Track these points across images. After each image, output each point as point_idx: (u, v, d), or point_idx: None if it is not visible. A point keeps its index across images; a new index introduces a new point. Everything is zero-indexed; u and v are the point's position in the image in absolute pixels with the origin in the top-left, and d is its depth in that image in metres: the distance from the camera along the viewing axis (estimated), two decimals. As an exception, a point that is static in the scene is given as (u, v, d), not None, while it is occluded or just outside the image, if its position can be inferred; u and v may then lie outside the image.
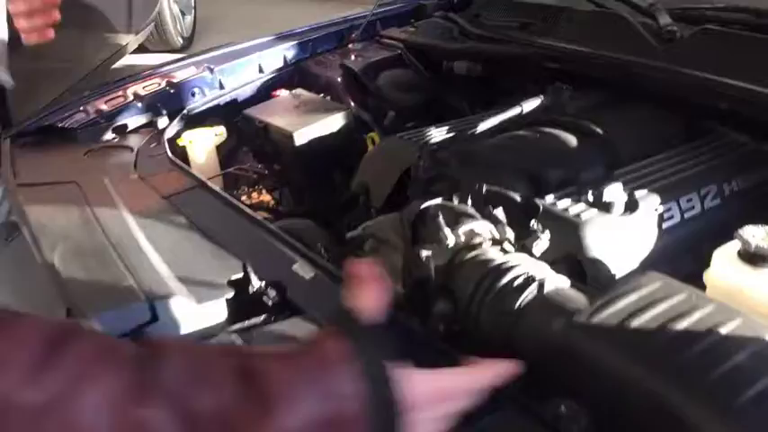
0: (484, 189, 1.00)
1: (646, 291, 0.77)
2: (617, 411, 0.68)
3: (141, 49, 4.62)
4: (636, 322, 0.72)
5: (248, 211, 1.08)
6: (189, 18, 5.34)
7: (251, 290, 0.91)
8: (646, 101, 1.24)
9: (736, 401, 0.63)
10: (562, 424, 0.68)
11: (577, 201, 0.98)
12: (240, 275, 0.92)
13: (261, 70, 1.63)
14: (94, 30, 3.72)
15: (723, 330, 0.69)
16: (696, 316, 0.72)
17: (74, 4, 3.33)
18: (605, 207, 0.96)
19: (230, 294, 0.90)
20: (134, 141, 1.39)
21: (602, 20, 1.42)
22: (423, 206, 0.98)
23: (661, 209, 0.99)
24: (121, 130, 1.43)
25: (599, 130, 1.15)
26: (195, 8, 5.43)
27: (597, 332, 0.73)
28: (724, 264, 0.84)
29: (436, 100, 1.53)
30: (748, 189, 1.08)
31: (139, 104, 1.46)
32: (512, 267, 0.83)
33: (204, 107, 1.51)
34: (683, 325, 0.71)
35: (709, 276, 0.86)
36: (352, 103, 1.48)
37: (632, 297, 0.76)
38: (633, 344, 0.71)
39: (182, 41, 5.11)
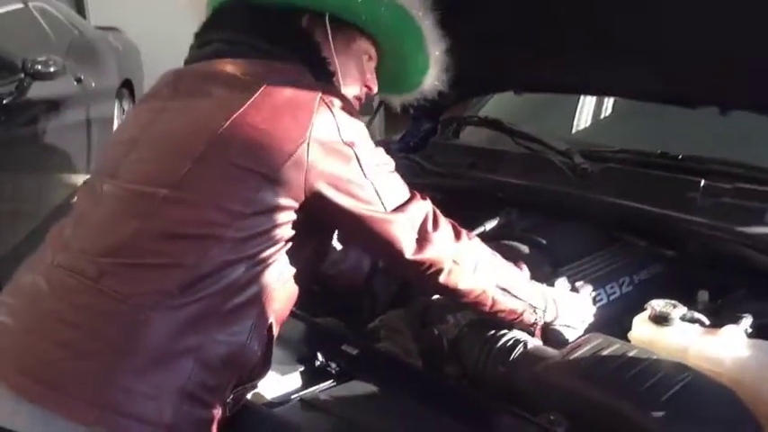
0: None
1: (593, 344, 1.18)
2: (584, 419, 1.08)
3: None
4: (589, 361, 1.13)
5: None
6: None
7: (316, 363, 1.26)
8: (571, 218, 1.70)
9: (658, 401, 1.03)
10: (552, 427, 1.06)
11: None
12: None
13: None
14: (56, 171, 4.00)
15: (644, 362, 1.11)
16: (627, 356, 1.13)
17: (35, 146, 3.65)
18: (556, 293, 1.38)
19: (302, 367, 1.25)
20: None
21: (533, 159, 1.89)
22: (431, 299, 1.38)
23: (594, 294, 1.42)
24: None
25: (543, 241, 1.59)
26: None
27: (565, 369, 1.13)
28: (640, 325, 1.27)
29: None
30: (650, 278, 1.53)
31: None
32: (504, 335, 1.23)
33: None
34: (619, 361, 1.12)
35: (631, 335, 1.28)
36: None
37: (585, 348, 1.17)
38: (589, 375, 1.11)
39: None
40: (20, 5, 4.24)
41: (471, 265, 1.15)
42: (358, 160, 1.07)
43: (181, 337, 0.97)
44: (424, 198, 1.16)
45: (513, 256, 1.49)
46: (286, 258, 1.07)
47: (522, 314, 1.22)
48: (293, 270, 1.09)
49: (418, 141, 2.27)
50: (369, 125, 2.22)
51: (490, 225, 1.66)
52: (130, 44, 5.66)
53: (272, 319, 1.07)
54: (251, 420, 1.11)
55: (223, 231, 0.99)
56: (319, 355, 1.26)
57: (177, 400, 0.96)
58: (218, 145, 1.01)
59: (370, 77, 1.28)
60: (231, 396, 1.05)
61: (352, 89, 1.24)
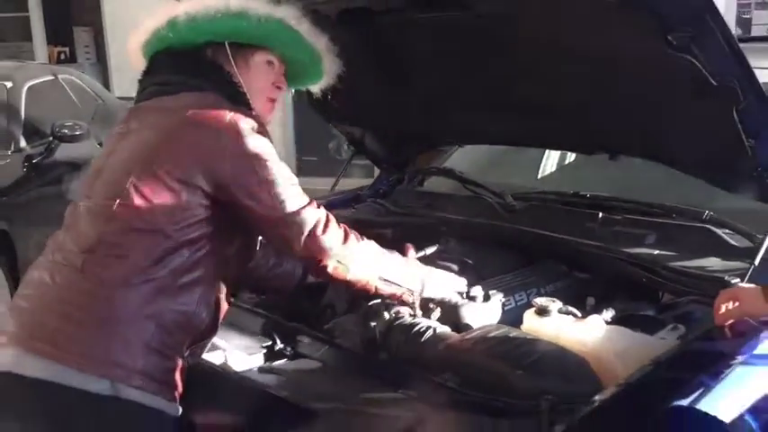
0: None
1: (486, 329, 1.54)
2: (470, 379, 1.42)
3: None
4: (477, 339, 1.48)
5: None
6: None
7: (275, 348, 1.62)
8: (499, 245, 2.06)
9: (523, 363, 1.38)
10: (446, 383, 1.41)
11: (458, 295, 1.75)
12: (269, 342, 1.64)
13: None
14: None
15: (519, 340, 1.46)
16: (508, 335, 1.49)
17: (61, 203, 4.06)
18: (472, 298, 1.73)
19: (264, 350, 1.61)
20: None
21: (474, 200, 2.27)
22: (370, 303, 1.74)
23: (503, 300, 1.77)
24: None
25: (470, 261, 1.95)
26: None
27: (460, 345, 1.48)
28: (528, 317, 1.62)
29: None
30: (555, 290, 1.88)
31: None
32: (419, 324, 1.59)
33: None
34: (501, 339, 1.47)
35: (522, 326, 1.63)
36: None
37: (479, 331, 1.52)
38: (475, 347, 1.46)
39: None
40: (50, 77, 4.76)
41: (355, 262, 1.47)
42: (260, 170, 1.38)
43: (143, 306, 1.33)
44: (318, 206, 1.46)
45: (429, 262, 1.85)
46: (221, 246, 1.41)
47: (401, 296, 1.59)
48: (229, 255, 1.44)
49: (387, 189, 2.67)
50: (341, 175, 2.64)
51: (430, 250, 2.03)
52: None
53: (216, 293, 1.43)
54: (220, 381, 1.48)
55: (163, 226, 1.35)
56: (278, 342, 1.63)
57: (144, 352, 1.33)
58: (152, 161, 1.37)
59: (276, 79, 1.57)
60: (188, 351, 1.41)
61: (261, 96, 1.54)
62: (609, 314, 1.61)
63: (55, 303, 1.37)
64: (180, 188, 1.37)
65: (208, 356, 1.53)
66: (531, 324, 1.61)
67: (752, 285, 1.47)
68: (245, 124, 1.40)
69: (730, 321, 1.44)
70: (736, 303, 1.42)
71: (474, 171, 2.61)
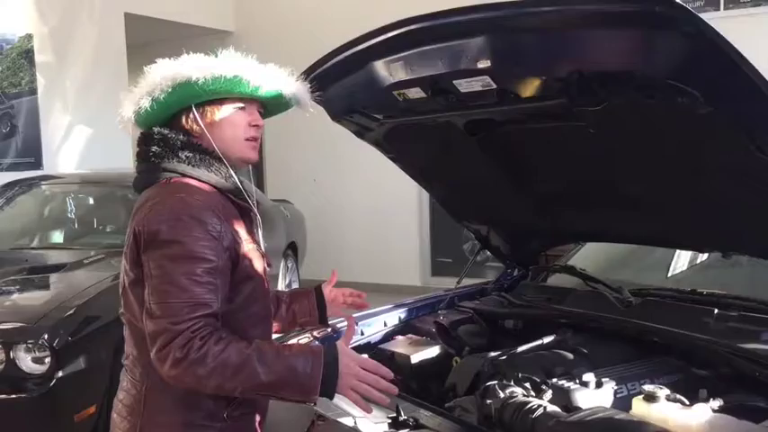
0: (519, 375, 1.91)
1: (593, 410, 1.65)
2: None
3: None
4: (582, 419, 1.60)
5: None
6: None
7: (400, 418, 1.80)
8: (615, 337, 2.16)
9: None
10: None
11: (571, 380, 1.87)
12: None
13: (385, 324, 2.62)
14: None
15: (622, 421, 1.57)
16: (613, 417, 1.59)
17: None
18: (584, 383, 1.85)
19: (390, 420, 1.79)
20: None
21: (593, 295, 2.39)
22: (487, 384, 1.89)
23: (616, 388, 1.87)
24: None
25: (585, 351, 2.06)
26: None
27: (566, 423, 1.61)
28: (637, 402, 1.71)
29: (494, 343, 2.47)
30: (668, 382, 1.94)
31: (316, 343, 2.45)
32: (530, 403, 1.72)
33: (354, 344, 2.48)
34: (605, 419, 1.59)
35: (631, 411, 1.72)
36: (443, 343, 2.43)
37: (586, 412, 1.64)
38: (578, 426, 1.58)
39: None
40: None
41: (207, 371, 1.40)
42: (166, 257, 1.43)
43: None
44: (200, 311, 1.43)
45: (556, 359, 1.98)
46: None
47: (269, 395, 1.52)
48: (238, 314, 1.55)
49: (511, 283, 2.83)
50: (467, 270, 2.83)
51: (547, 340, 2.17)
52: (298, 213, 6.69)
53: None
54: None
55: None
56: (402, 413, 1.81)
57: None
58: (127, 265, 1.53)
59: (251, 119, 1.60)
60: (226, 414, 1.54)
61: (236, 139, 1.59)
62: (716, 403, 1.68)
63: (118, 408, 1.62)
64: (132, 266, 1.51)
65: (340, 419, 1.73)
66: (639, 409, 1.70)
67: None
68: (178, 210, 1.46)
69: None
70: None
71: (604, 269, 2.75)
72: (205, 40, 7.65)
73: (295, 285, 6.43)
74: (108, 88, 6.48)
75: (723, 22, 6.08)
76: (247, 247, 1.58)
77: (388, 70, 1.95)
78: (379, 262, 7.56)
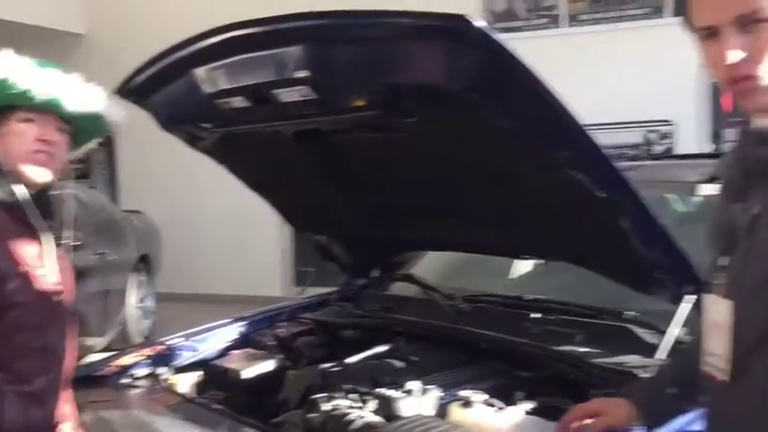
0: (347, 387, 1.91)
1: (412, 419, 1.67)
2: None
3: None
4: (402, 428, 1.61)
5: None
6: (148, 321, 6.23)
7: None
8: (446, 344, 2.21)
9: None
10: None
11: (398, 389, 1.88)
12: None
13: (223, 339, 2.54)
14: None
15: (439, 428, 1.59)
16: (429, 424, 1.61)
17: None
18: (408, 392, 1.86)
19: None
20: (144, 382, 2.25)
21: (429, 303, 2.43)
22: (313, 397, 1.88)
23: (440, 394, 1.90)
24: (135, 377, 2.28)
25: (416, 359, 2.09)
26: (155, 313, 6.37)
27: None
28: (454, 408, 1.75)
29: (333, 354, 2.46)
30: (491, 386, 2.00)
31: (148, 361, 2.34)
32: (351, 414, 1.72)
33: (187, 362, 2.39)
34: (422, 427, 1.60)
35: (449, 416, 1.75)
36: (281, 356, 2.39)
37: (405, 421, 1.66)
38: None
39: (141, 340, 5.98)
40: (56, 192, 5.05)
41: None
42: None
43: None
44: None
45: (387, 368, 2.00)
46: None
47: None
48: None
49: (354, 293, 2.84)
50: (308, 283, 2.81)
51: (380, 349, 2.18)
52: (151, 224, 6.44)
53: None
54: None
55: None
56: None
57: None
58: None
59: (40, 133, 1.54)
60: None
61: (20, 153, 1.54)
62: (529, 405, 1.74)
63: None
64: None
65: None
66: (456, 415, 1.74)
67: (617, 399, 1.52)
68: None
69: None
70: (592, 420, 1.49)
71: (447, 276, 2.81)
72: (52, 43, 7.23)
73: (149, 300, 6.18)
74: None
75: (565, 39, 6.45)
76: (21, 270, 1.47)
77: (210, 78, 1.90)
78: (240, 273, 7.43)
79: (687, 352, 1.55)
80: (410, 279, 2.66)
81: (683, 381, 1.42)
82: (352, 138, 2.04)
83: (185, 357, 2.45)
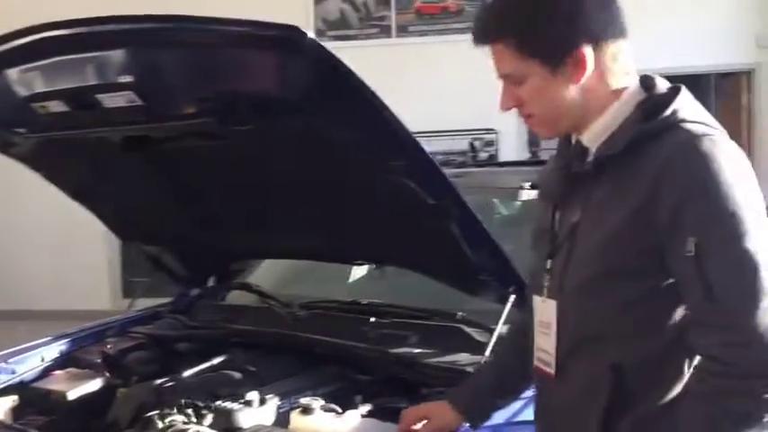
0: (183, 402, 1.85)
1: (254, 428, 1.64)
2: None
3: None
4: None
5: None
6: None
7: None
8: (284, 352, 2.20)
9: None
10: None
11: (236, 400, 1.85)
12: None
13: (42, 359, 2.37)
14: None
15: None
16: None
17: None
18: (247, 402, 1.84)
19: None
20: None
21: (265, 311, 2.41)
22: (146, 415, 1.80)
23: (279, 403, 1.89)
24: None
25: (253, 369, 2.07)
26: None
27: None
28: (294, 416, 1.75)
29: (167, 369, 2.37)
30: (329, 391, 2.02)
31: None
32: (188, 429, 1.67)
33: (3, 385, 2.21)
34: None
35: (290, 425, 1.75)
36: (109, 374, 2.26)
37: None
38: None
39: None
40: None
41: None
42: None
43: None
44: None
45: (222, 380, 1.96)
46: None
47: None
48: None
49: (188, 304, 2.75)
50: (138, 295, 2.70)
51: (217, 360, 2.13)
52: None
53: None
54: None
55: None
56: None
57: None
58: None
59: None
60: None
61: None
62: (366, 408, 1.77)
63: None
64: None
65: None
66: (297, 423, 1.73)
67: (443, 402, 1.59)
68: None
69: None
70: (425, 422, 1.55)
71: (285, 283, 2.79)
72: None
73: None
74: None
75: (395, 48, 6.65)
76: None
77: (23, 80, 1.78)
78: (65, 285, 6.96)
79: (504, 348, 1.66)
80: (246, 287, 2.63)
81: (502, 377, 1.53)
82: (184, 145, 1.99)
83: (0, 381, 2.26)
